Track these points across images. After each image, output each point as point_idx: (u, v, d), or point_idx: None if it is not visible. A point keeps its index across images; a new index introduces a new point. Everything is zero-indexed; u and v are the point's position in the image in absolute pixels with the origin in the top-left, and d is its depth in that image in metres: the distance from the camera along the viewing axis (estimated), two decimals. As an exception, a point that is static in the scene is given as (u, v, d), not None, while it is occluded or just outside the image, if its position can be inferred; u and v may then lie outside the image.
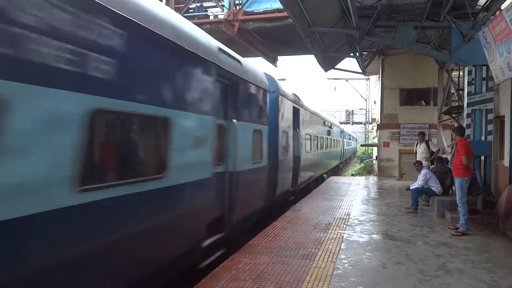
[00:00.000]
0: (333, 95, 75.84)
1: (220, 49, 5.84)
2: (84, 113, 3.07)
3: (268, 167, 8.39)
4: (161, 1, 16.04)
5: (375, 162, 26.53)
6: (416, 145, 12.42)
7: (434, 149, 11.95)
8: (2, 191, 2.47)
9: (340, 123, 38.59)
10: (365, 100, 40.66)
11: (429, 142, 12.31)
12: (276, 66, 23.32)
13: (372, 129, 40.17)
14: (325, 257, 5.76)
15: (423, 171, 9.81)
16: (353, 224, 8.03)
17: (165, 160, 4.27)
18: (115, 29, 3.44)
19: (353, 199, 11.64)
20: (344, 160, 34.85)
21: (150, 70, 4.03)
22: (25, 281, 2.68)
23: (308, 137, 14.55)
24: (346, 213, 9.31)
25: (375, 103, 34.03)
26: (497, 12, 8.04)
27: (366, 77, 34.29)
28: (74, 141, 2.99)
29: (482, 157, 9.26)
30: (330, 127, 21.53)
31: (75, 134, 3.00)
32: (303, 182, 13.69)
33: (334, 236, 7.03)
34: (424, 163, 10.94)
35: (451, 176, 9.13)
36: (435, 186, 9.56)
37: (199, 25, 16.61)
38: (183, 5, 17.34)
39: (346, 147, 34.07)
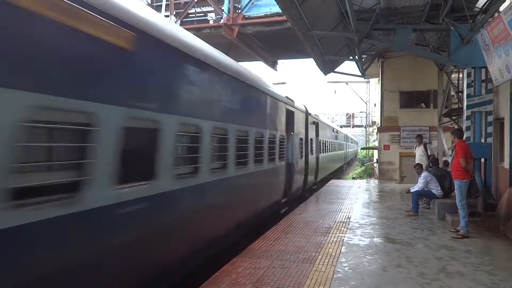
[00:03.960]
0: (333, 98, 76.01)
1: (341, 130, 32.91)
2: None
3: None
4: (161, 6, 16.14)
5: (375, 165, 26.52)
6: (415, 148, 12.41)
7: (429, 152, 11.87)
8: None
9: (341, 126, 41.87)
10: (365, 103, 40.66)
11: (427, 145, 12.22)
12: (275, 70, 23.37)
13: (373, 132, 40.17)
14: (326, 260, 5.74)
15: (424, 174, 9.80)
16: (353, 228, 8.01)
17: None
18: None
19: (354, 202, 11.62)
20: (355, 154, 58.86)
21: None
22: None
23: (350, 144, 37.22)
24: (347, 216, 9.29)
25: (375, 106, 34.04)
26: (496, 14, 8.07)
27: (366, 80, 34.32)
28: None
29: (482, 159, 9.25)
30: (352, 139, 43.29)
31: None
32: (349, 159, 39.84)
33: (335, 239, 7.02)
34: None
35: (449, 179, 9.11)
36: (436, 189, 9.54)
37: (199, 29, 16.86)
38: (182, 10, 17.42)
39: (357, 147, 59.70)
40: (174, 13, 17.37)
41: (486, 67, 8.43)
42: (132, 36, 3.72)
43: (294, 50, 19.13)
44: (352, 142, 49.10)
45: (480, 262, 5.70)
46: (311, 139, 15.15)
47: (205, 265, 5.79)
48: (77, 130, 3.29)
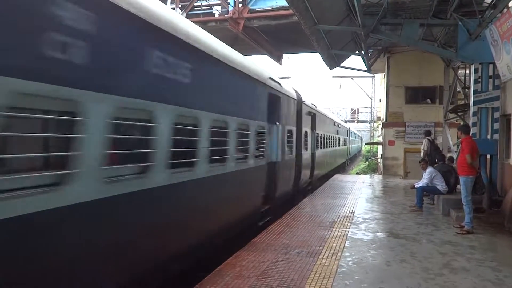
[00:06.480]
0: (338, 93, 75.74)
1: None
2: None
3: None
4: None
5: (380, 160, 26.47)
6: None
7: (425, 148, 11.71)
8: None
9: (345, 121, 41.23)
10: (370, 98, 40.54)
11: (424, 140, 11.98)
12: (281, 64, 23.34)
13: (378, 127, 40.08)
14: (329, 254, 5.76)
15: (429, 170, 9.76)
16: (357, 222, 8.02)
17: None
18: None
19: (358, 197, 11.61)
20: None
21: None
22: None
23: (354, 139, 38.16)
24: (351, 211, 9.29)
25: (380, 101, 33.93)
26: (505, 10, 7.97)
27: (371, 75, 34.18)
28: None
29: (488, 156, 9.21)
30: (356, 134, 43.91)
31: None
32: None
33: (339, 234, 7.03)
34: None
35: (455, 175, 9.09)
36: (440, 185, 9.51)
37: (204, 22, 16.83)
38: (188, 3, 17.38)
39: (361, 143, 59.53)
40: (180, 5, 17.34)
41: (493, 63, 8.37)
42: None
43: (299, 44, 19.07)
44: (355, 137, 48.34)
45: (484, 258, 5.69)
46: (306, 132, 13.14)
47: (208, 258, 5.81)
48: None
